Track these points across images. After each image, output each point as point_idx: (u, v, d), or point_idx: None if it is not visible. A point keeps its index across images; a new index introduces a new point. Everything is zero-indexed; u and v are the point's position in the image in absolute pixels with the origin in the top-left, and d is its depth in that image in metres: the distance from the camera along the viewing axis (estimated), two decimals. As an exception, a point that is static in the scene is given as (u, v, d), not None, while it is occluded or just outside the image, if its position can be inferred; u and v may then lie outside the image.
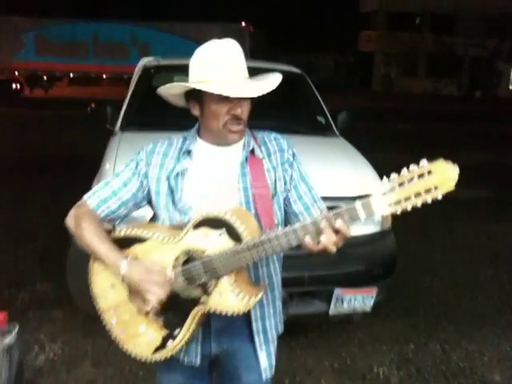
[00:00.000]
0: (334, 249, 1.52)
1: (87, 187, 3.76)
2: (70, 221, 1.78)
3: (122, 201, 1.78)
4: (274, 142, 1.81)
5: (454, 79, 37.50)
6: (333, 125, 4.75)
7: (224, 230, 1.57)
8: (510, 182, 8.88)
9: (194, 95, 1.72)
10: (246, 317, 1.76)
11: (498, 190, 8.45)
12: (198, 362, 1.79)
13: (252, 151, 1.77)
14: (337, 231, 1.50)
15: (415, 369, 3.54)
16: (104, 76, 23.26)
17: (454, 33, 38.05)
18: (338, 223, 1.49)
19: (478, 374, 3.51)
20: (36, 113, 17.73)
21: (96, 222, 1.75)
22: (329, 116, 4.85)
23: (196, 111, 1.76)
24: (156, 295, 1.61)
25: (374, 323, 4.08)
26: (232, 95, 1.62)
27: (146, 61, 5.24)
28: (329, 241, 1.50)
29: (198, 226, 1.61)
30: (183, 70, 6.05)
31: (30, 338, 3.65)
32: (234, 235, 1.56)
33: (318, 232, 1.51)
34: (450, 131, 15.80)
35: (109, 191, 1.78)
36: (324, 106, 4.93)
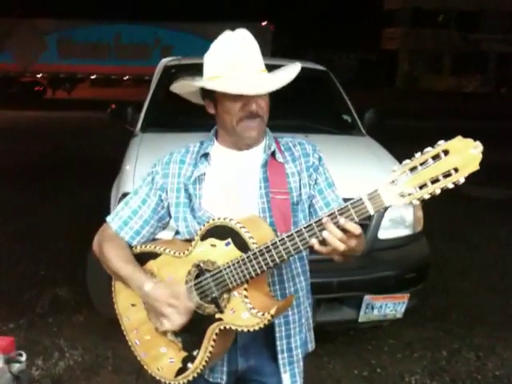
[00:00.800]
0: (341, 246, 1.33)
1: (106, 190, 3.72)
2: (94, 246, 1.74)
3: (143, 219, 1.69)
4: (298, 146, 1.68)
5: (479, 76, 36.89)
6: (359, 123, 4.60)
7: (230, 239, 1.46)
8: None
9: (208, 93, 1.62)
10: (271, 334, 1.64)
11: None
12: (225, 379, 1.67)
13: (273, 154, 1.64)
14: (344, 229, 1.33)
15: (449, 378, 3.37)
16: (125, 77, 23.34)
17: (479, 29, 37.43)
18: (342, 220, 1.32)
19: (515, 383, 3.33)
20: (57, 115, 17.84)
21: (118, 244, 1.67)
22: (355, 114, 4.70)
23: (211, 110, 1.66)
24: (174, 322, 1.51)
25: (403, 329, 3.92)
26: (240, 92, 1.50)
27: (166, 60, 5.15)
28: (334, 238, 1.33)
29: (205, 236, 1.50)
30: (205, 69, 5.86)
31: (50, 345, 3.58)
32: (241, 244, 1.44)
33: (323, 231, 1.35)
34: (477, 129, 15.46)
35: (129, 211, 1.70)
36: (350, 104, 4.78)
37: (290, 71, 1.58)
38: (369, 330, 3.87)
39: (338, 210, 1.33)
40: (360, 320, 3.24)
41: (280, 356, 1.66)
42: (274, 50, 19.77)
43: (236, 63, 1.53)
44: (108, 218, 1.74)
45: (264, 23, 21.12)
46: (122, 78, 23.40)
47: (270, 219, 1.58)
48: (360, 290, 3.16)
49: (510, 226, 6.41)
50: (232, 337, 1.57)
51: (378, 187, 1.28)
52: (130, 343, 1.69)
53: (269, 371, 1.69)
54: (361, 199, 1.31)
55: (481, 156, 1.20)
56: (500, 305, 4.39)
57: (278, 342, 1.65)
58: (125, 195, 3.37)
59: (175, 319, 1.51)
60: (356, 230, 1.34)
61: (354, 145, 4.22)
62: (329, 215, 1.34)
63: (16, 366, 1.63)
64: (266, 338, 1.63)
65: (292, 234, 1.38)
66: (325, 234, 1.34)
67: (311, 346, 1.81)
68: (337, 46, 37.42)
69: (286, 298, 1.59)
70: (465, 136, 1.23)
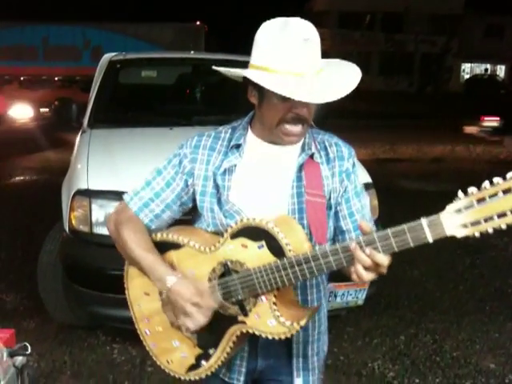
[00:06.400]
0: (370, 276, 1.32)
1: (50, 190, 3.56)
2: (110, 226, 1.59)
3: (166, 203, 1.57)
4: (334, 147, 1.57)
5: (405, 76, 38.16)
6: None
7: (264, 242, 1.37)
8: (473, 175, 8.96)
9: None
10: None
11: (464, 182, 8.48)
12: (242, 380, 1.60)
13: (311, 155, 1.53)
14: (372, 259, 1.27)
15: (409, 361, 3.45)
16: (56, 78, 22.62)
17: (405, 30, 38.75)
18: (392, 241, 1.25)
19: (472, 363, 3.45)
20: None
21: (137, 227, 1.55)
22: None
23: (253, 99, 1.50)
24: (197, 322, 1.42)
25: (360, 318, 3.99)
26: (308, 100, 1.35)
27: (110, 56, 5.01)
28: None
29: (236, 235, 1.41)
30: (150, 64, 5.81)
31: (1, 352, 3.39)
32: (276, 249, 1.35)
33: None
34: (406, 126, 16.03)
35: (150, 193, 1.57)
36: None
37: (351, 74, 1.45)
38: (327, 319, 3.90)
39: (393, 233, 1.25)
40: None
41: (294, 360, 1.60)
42: (207, 48, 19.81)
43: (292, 63, 1.38)
44: (126, 198, 1.60)
45: (197, 23, 21.05)
46: (53, 79, 22.66)
47: (301, 221, 1.48)
48: (324, 278, 3.17)
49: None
50: (246, 339, 1.51)
51: (441, 214, 1.22)
52: (138, 332, 1.60)
53: (285, 371, 1.62)
54: (420, 224, 1.24)
55: None
56: (449, 291, 4.54)
57: (293, 345, 1.59)
58: (79, 192, 3.27)
59: (198, 319, 1.41)
60: (384, 262, 1.28)
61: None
62: (379, 236, 1.27)
63: (19, 360, 1.51)
64: (285, 340, 1.53)
65: (337, 249, 1.31)
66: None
67: (326, 348, 1.75)
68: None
69: (314, 307, 1.53)
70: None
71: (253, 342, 1.55)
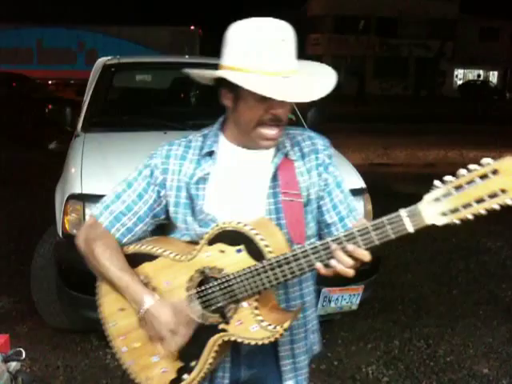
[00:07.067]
0: (350, 272, 1.29)
1: (45, 194, 3.52)
2: (81, 244, 1.53)
3: (138, 216, 1.52)
4: (308, 141, 1.54)
5: (400, 80, 38.33)
6: (303, 121, 4.65)
7: (242, 246, 1.33)
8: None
9: (230, 83, 1.38)
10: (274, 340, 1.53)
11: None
12: None
13: (286, 153, 1.51)
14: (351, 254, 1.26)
15: (403, 366, 3.45)
16: (50, 81, 22.56)
17: (399, 35, 38.95)
18: (372, 234, 1.24)
19: (465, 367, 3.45)
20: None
21: (109, 244, 1.49)
22: (298, 112, 4.74)
23: (228, 101, 1.45)
24: (173, 347, 1.40)
25: (354, 322, 3.99)
26: (282, 98, 1.32)
27: (104, 59, 5.01)
28: (346, 259, 1.26)
29: (213, 241, 1.36)
30: (145, 68, 5.81)
31: (-7, 357, 3.37)
32: (255, 252, 1.32)
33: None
34: (404, 130, 16.07)
35: (121, 206, 1.52)
36: (293, 104, 4.81)
37: (328, 79, 1.41)
38: (321, 323, 3.88)
39: (372, 226, 1.24)
40: (318, 313, 3.24)
41: (282, 363, 1.56)
42: (202, 53, 19.84)
43: (269, 62, 1.35)
44: (95, 212, 1.54)
45: (192, 27, 21.07)
46: (47, 82, 22.61)
47: (278, 221, 1.46)
48: (319, 283, 3.16)
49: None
50: (229, 347, 1.47)
51: (419, 204, 1.22)
52: (114, 350, 1.52)
53: (272, 378, 1.58)
54: (399, 215, 1.23)
55: None
56: (444, 295, 4.55)
57: (279, 348, 1.55)
58: (72, 196, 3.25)
59: (176, 342, 1.39)
60: (365, 257, 1.27)
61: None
62: (359, 230, 1.25)
63: (13, 365, 1.50)
64: (270, 344, 1.46)
65: (316, 247, 1.28)
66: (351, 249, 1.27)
67: (318, 348, 1.72)
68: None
69: (296, 308, 1.49)
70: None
71: (235, 352, 1.51)
